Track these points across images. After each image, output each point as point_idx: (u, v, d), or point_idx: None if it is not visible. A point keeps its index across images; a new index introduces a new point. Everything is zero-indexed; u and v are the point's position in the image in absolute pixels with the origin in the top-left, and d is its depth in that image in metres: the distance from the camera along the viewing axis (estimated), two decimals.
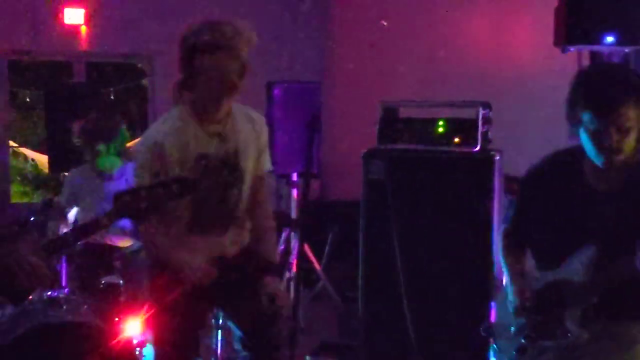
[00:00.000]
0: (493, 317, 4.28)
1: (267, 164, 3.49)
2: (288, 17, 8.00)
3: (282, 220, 5.72)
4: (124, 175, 4.95)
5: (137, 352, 4.07)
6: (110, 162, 4.95)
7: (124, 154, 5.00)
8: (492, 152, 4.51)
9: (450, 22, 6.95)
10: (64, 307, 3.89)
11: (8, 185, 8.64)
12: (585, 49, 4.85)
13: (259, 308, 3.33)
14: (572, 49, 4.74)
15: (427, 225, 4.59)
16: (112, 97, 11.90)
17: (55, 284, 4.36)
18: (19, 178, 12.40)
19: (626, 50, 4.65)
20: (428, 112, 4.79)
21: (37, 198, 11.73)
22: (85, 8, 7.78)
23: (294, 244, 5.80)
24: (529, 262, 3.08)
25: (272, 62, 7.07)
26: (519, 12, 6.44)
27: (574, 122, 2.75)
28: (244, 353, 3.45)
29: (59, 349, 3.71)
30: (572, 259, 2.83)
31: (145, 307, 3.69)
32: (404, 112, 4.86)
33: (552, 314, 2.84)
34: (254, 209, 3.41)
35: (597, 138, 2.69)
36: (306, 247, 5.92)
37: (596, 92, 2.69)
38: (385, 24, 7.35)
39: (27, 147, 12.74)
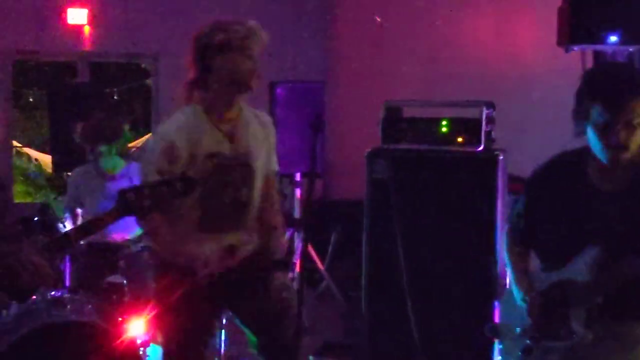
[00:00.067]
0: (497, 318, 4.30)
1: (275, 165, 3.51)
2: (291, 16, 8.01)
3: (286, 220, 5.72)
4: (127, 175, 4.96)
5: (140, 352, 4.07)
6: (113, 163, 4.96)
7: (126, 154, 5.01)
8: (496, 152, 4.51)
9: (454, 22, 6.95)
10: (68, 306, 3.90)
11: (11, 185, 8.65)
12: (589, 49, 4.84)
13: (269, 306, 3.33)
14: (575, 48, 4.74)
15: (430, 224, 4.58)
16: (115, 97, 11.93)
17: (58, 283, 4.37)
18: (22, 178, 12.42)
19: (630, 49, 4.64)
20: (431, 112, 4.80)
21: (40, 198, 11.75)
22: (89, 8, 7.79)
23: (298, 243, 5.81)
24: (533, 263, 3.08)
25: (276, 61, 7.07)
26: (523, 12, 6.44)
27: (582, 118, 2.75)
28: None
29: (63, 348, 3.71)
30: (577, 259, 2.83)
31: (149, 306, 3.69)
32: (407, 112, 4.87)
33: (556, 314, 2.84)
34: (263, 209, 3.42)
35: (605, 133, 2.70)
36: (309, 247, 5.92)
37: (607, 86, 2.70)
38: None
39: (30, 147, 12.77)
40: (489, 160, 4.48)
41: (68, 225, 4.94)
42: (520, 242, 3.08)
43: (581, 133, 2.80)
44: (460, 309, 4.50)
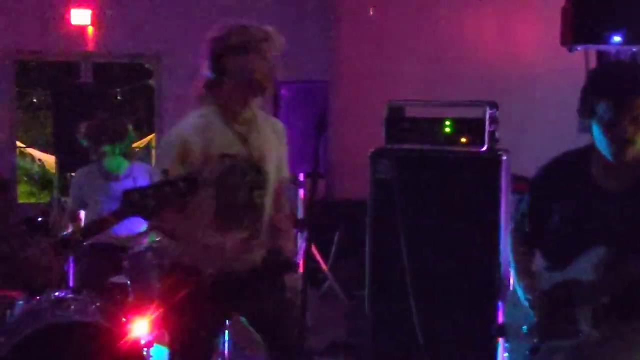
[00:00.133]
0: (500, 317, 4.30)
1: (286, 173, 3.52)
2: (294, 16, 8.01)
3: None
4: (130, 175, 4.96)
5: (144, 352, 4.08)
6: (117, 163, 4.96)
7: (130, 155, 5.01)
8: (500, 152, 4.50)
9: (457, 22, 6.94)
10: (72, 307, 3.91)
11: (15, 186, 8.66)
12: (592, 49, 4.83)
13: (274, 307, 3.34)
14: (579, 48, 4.73)
15: (433, 225, 4.58)
16: (119, 97, 11.95)
17: (62, 283, 4.38)
18: (25, 178, 12.44)
19: (633, 49, 4.64)
20: (435, 112, 4.79)
21: (43, 198, 11.77)
22: (92, 9, 7.80)
23: (301, 244, 5.81)
24: (538, 262, 3.08)
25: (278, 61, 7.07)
26: (526, 12, 6.43)
27: (587, 114, 2.76)
28: None
29: (67, 348, 3.72)
30: (582, 259, 2.83)
31: (156, 306, 3.69)
32: (410, 112, 4.87)
33: (562, 313, 2.84)
34: (273, 214, 3.43)
35: (611, 129, 2.70)
36: (313, 247, 5.93)
37: (613, 83, 2.73)
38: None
39: (34, 148, 12.78)
40: (492, 161, 4.47)
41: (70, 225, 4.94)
42: (525, 242, 3.09)
43: (586, 129, 2.80)
44: (464, 309, 4.49)
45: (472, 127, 4.57)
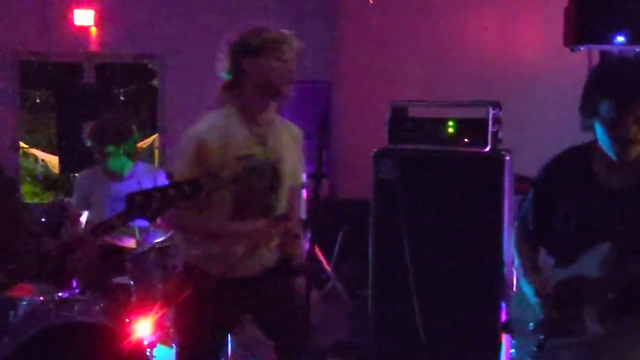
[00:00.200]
0: (503, 317, 4.30)
1: (301, 179, 3.52)
2: (296, 16, 8.01)
3: None
4: (134, 176, 4.96)
5: (147, 353, 4.08)
6: (121, 164, 4.96)
7: (134, 155, 5.01)
8: (503, 152, 4.50)
9: (460, 22, 6.94)
10: (75, 307, 3.92)
11: (18, 186, 8.67)
12: (595, 49, 4.83)
13: (288, 312, 3.34)
14: (582, 48, 4.73)
15: (437, 225, 4.58)
16: (122, 98, 11.96)
17: (65, 284, 4.38)
18: (29, 179, 12.45)
19: (637, 49, 4.63)
20: (438, 112, 4.79)
21: (47, 198, 11.79)
22: (95, 9, 7.81)
23: (304, 244, 5.80)
24: (542, 259, 3.08)
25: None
26: (528, 12, 6.43)
27: (589, 113, 2.75)
28: None
29: (70, 349, 3.73)
30: (586, 256, 2.82)
31: (157, 307, 3.70)
32: (413, 112, 4.87)
33: (568, 310, 2.84)
34: (289, 217, 3.44)
35: (614, 129, 2.69)
36: (316, 247, 5.93)
37: (615, 83, 2.70)
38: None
39: (37, 148, 12.79)
40: (495, 161, 4.48)
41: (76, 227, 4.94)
42: (528, 239, 3.09)
43: (589, 128, 2.80)
44: (467, 310, 4.50)
45: (475, 128, 4.57)
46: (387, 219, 4.67)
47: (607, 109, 2.68)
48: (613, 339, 2.79)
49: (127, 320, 4.06)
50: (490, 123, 4.50)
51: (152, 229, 4.59)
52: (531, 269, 3.03)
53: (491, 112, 4.51)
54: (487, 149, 4.50)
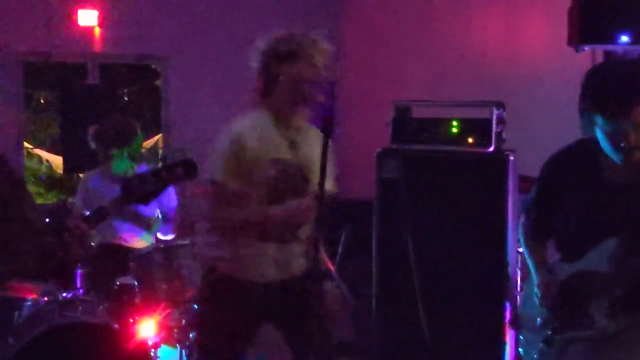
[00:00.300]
0: (508, 317, 4.29)
1: (331, 187, 3.46)
2: (299, 16, 8.00)
3: None
4: None
5: (152, 353, 4.08)
6: (125, 166, 4.96)
7: (138, 157, 5.02)
8: (507, 153, 4.50)
9: (463, 22, 6.93)
10: (79, 308, 3.93)
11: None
12: (599, 49, 4.83)
13: (313, 321, 3.33)
14: (586, 48, 4.73)
15: (440, 225, 4.58)
16: (126, 98, 11.96)
17: (69, 285, 4.39)
18: (33, 179, 12.46)
19: None
20: (441, 112, 4.79)
21: (51, 199, 11.80)
22: (99, 10, 7.81)
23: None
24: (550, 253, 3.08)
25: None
26: (533, 12, 6.42)
27: (588, 123, 2.74)
28: None
29: (74, 349, 3.74)
30: (594, 251, 2.82)
31: (161, 307, 3.70)
32: (416, 112, 4.86)
33: (577, 305, 2.83)
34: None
35: (614, 139, 2.68)
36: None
37: (606, 96, 2.65)
38: None
39: (41, 148, 12.81)
40: (499, 161, 4.47)
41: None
42: (534, 233, 3.08)
43: (589, 133, 2.79)
44: (471, 309, 4.49)
45: (479, 128, 4.57)
46: (390, 218, 4.68)
47: (603, 122, 2.67)
48: (621, 334, 2.79)
49: (131, 320, 4.07)
50: (494, 123, 4.50)
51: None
52: (538, 263, 3.03)
53: (495, 112, 4.50)
54: (491, 149, 4.50)
